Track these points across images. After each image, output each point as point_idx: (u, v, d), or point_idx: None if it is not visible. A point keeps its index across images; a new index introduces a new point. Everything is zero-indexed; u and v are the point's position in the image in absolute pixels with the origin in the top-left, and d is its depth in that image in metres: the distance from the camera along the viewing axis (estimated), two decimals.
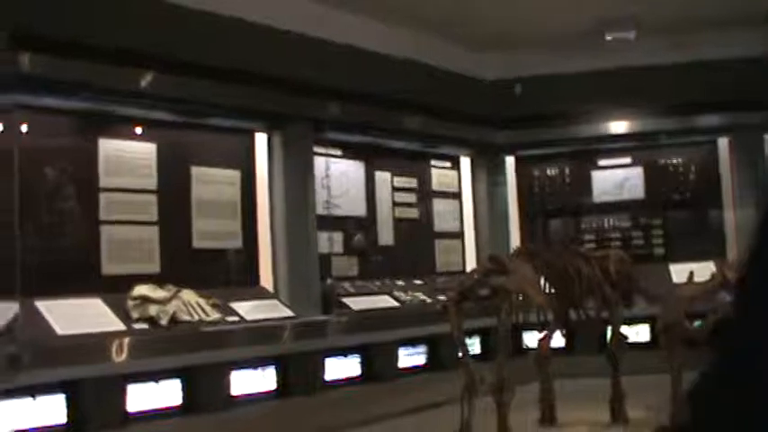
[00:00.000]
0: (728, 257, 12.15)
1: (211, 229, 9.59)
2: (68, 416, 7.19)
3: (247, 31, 9.46)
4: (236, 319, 8.82)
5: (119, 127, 8.97)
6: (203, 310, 8.50)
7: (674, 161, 13.42)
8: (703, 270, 7.59)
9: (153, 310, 8.09)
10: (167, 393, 7.93)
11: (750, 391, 1.00)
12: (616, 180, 13.50)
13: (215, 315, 8.57)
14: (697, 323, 5.90)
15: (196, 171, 9.55)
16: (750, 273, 1.07)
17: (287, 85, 9.83)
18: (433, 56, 11.82)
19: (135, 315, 8.01)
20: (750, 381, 0.99)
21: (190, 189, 9.47)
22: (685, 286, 6.26)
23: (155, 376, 7.82)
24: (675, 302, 5.92)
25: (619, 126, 13.06)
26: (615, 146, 13.44)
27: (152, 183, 9.09)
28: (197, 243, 9.45)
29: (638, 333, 10.98)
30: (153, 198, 9.08)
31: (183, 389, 8.04)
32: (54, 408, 7.14)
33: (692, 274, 6.48)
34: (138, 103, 8.82)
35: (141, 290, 8.18)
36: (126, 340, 7.62)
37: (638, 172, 13.48)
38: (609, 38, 11.94)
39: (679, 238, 13.19)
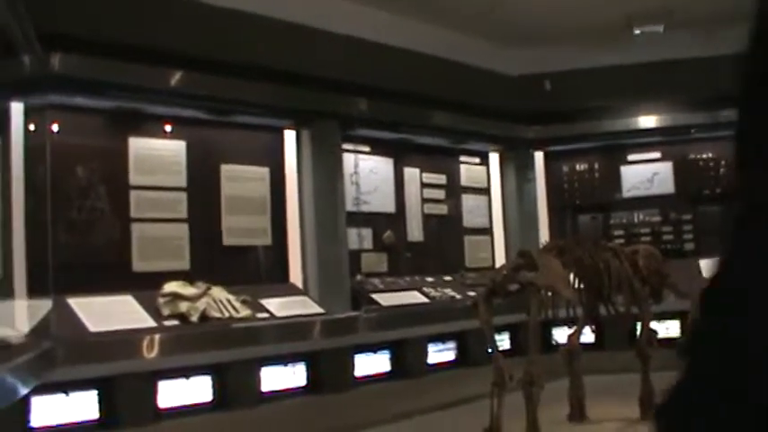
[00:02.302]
0: None
1: (241, 226, 9.64)
2: (100, 412, 7.28)
3: (276, 28, 9.50)
4: (265, 315, 8.86)
5: (149, 125, 9.05)
6: (233, 306, 8.55)
7: (704, 156, 13.34)
8: None
9: (183, 306, 8.14)
10: (198, 389, 7.99)
11: (721, 412, 1.00)
12: (645, 175, 13.44)
13: (245, 312, 8.62)
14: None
15: (225, 168, 9.61)
16: (723, 279, 1.07)
17: (315, 83, 9.86)
18: (461, 52, 11.81)
19: (166, 312, 8.07)
20: (721, 401, 0.99)
21: (219, 186, 9.53)
22: None
23: (185, 372, 7.89)
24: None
25: (648, 120, 13.00)
26: (644, 140, 13.37)
27: (182, 180, 9.16)
28: (227, 240, 9.51)
29: (669, 329, 10.93)
30: (183, 195, 9.15)
31: (214, 385, 8.10)
32: (86, 404, 7.23)
33: None
34: (168, 102, 8.89)
35: (172, 287, 8.24)
36: (157, 337, 7.68)
37: (667, 167, 13.41)
38: (637, 32, 11.90)
39: (709, 233, 13.08)
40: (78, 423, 7.14)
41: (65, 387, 7.07)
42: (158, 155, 9.03)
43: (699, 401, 1.00)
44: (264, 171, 10.02)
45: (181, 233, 9.06)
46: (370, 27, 10.51)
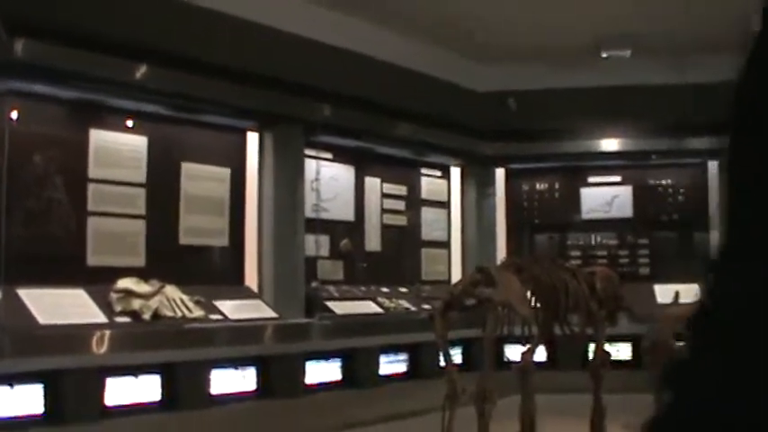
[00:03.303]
0: None
1: (198, 226, 9.55)
2: (45, 406, 7.13)
3: (245, 29, 9.43)
4: (219, 317, 8.78)
5: (111, 118, 8.94)
6: (186, 306, 8.46)
7: (664, 182, 13.46)
8: (688, 291, 7.58)
9: (136, 304, 8.05)
10: (146, 388, 7.86)
11: None
12: (605, 198, 13.52)
13: (198, 312, 8.53)
14: (682, 344, 5.89)
15: (186, 167, 9.52)
16: (710, 310, 1.04)
17: (281, 86, 9.81)
18: (430, 64, 11.81)
19: (118, 308, 7.97)
20: (733, 420, 0.95)
21: (179, 184, 9.44)
22: (672, 307, 6.25)
23: (134, 371, 7.76)
24: (662, 322, 5.91)
25: (610, 144, 13.09)
26: (605, 163, 13.47)
27: (141, 176, 9.05)
28: (183, 239, 9.42)
29: (620, 351, 10.98)
30: (141, 191, 9.05)
31: (163, 385, 7.98)
32: (32, 397, 7.07)
33: (677, 294, 6.46)
34: (132, 96, 8.79)
35: (125, 283, 8.14)
36: (107, 333, 7.58)
37: (627, 191, 13.51)
38: (605, 55, 11.97)
39: (665, 259, 13.21)
40: (23, 417, 6.99)
41: (10, 379, 6.92)
42: (119, 149, 8.92)
43: None
44: (225, 172, 9.94)
45: (137, 229, 8.95)
46: (339, 33, 10.47)
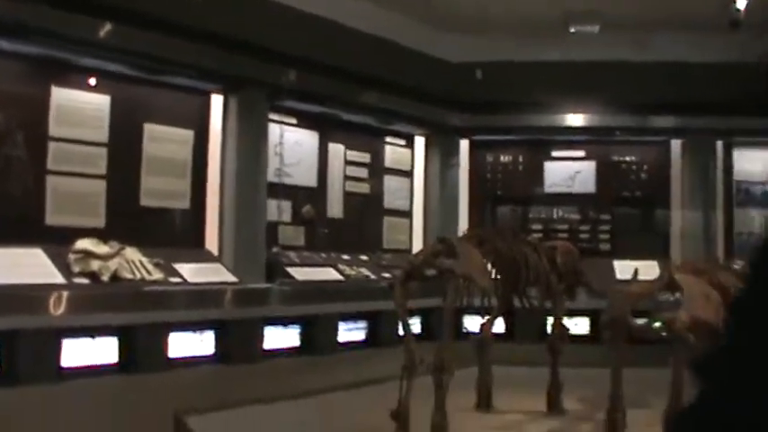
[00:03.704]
0: (673, 258, 12.31)
1: (160, 188, 9.48)
2: (1, 367, 7.06)
3: None
4: (178, 280, 8.73)
5: (73, 76, 8.81)
6: (146, 268, 8.40)
7: (627, 158, 13.53)
8: (647, 268, 7.64)
9: (95, 265, 7.98)
10: (103, 351, 7.81)
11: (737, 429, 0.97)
12: (568, 172, 13.57)
13: (157, 275, 8.48)
14: (641, 321, 5.93)
15: (149, 128, 9.43)
16: (745, 304, 1.04)
17: (247, 49, 9.73)
18: (398, 32, 11.75)
19: (76, 269, 7.89)
20: (738, 420, 0.95)
21: (141, 145, 9.34)
22: (632, 283, 6.28)
23: (92, 332, 7.70)
24: (622, 298, 5.95)
25: (575, 119, 13.12)
26: (570, 138, 13.50)
27: (103, 136, 8.95)
28: (144, 201, 9.34)
29: (578, 325, 11.07)
30: (103, 151, 8.95)
31: (120, 347, 7.92)
32: None
33: (636, 271, 6.49)
34: (95, 54, 8.64)
35: (84, 244, 8.06)
36: (65, 294, 7.50)
37: (590, 166, 13.57)
38: (573, 30, 11.97)
39: (625, 235, 13.31)
40: None
41: None
42: (81, 107, 8.80)
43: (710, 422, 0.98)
44: (188, 134, 9.85)
45: (98, 190, 8.86)
46: None
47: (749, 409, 0.94)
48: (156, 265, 8.57)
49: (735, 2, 10.31)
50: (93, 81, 8.93)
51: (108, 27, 8.44)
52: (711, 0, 10.47)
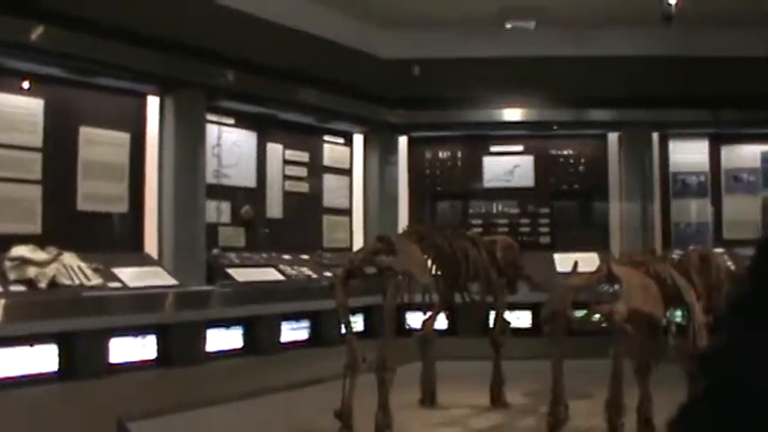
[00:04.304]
0: (612, 250, 12.45)
1: (97, 192, 9.38)
2: None
3: None
4: (118, 285, 8.65)
5: (6, 80, 8.69)
6: (84, 274, 8.31)
7: (565, 152, 13.66)
8: (587, 261, 7.71)
9: (32, 271, 7.88)
10: (42, 358, 7.71)
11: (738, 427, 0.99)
12: (507, 167, 13.67)
13: (96, 280, 8.39)
14: (579, 313, 5.98)
15: (84, 131, 9.33)
16: (745, 303, 1.06)
17: (182, 50, 9.66)
18: (334, 31, 11.75)
19: (12, 276, 7.79)
20: (737, 420, 0.98)
21: (77, 149, 9.24)
22: (571, 276, 6.34)
23: (30, 340, 7.60)
24: (562, 291, 5.99)
25: (512, 113, 13.21)
26: (508, 133, 13.59)
27: (37, 140, 8.84)
28: (81, 205, 9.24)
29: (519, 318, 11.15)
30: (37, 156, 8.84)
31: (60, 354, 7.83)
32: None
33: (576, 264, 6.54)
34: (28, 57, 8.53)
35: (20, 250, 7.96)
36: (1, 302, 7.39)
37: (528, 160, 13.67)
38: (509, 26, 12.05)
39: (565, 228, 13.44)
40: None
41: None
42: (14, 112, 8.68)
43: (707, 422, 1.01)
44: (125, 137, 9.77)
45: (33, 195, 8.75)
46: None
47: (749, 408, 0.96)
48: (95, 270, 8.48)
49: None
50: (26, 84, 8.81)
51: (40, 29, 8.33)
52: None
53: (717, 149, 13.74)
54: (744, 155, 13.73)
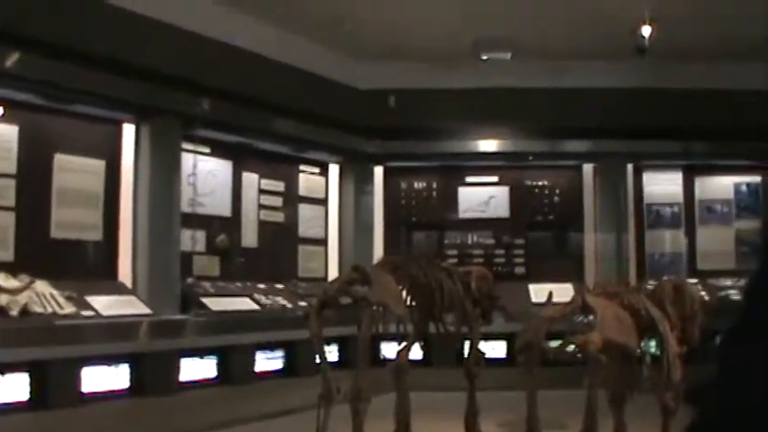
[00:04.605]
0: (586, 280, 12.49)
1: (71, 219, 9.32)
2: None
3: (123, 19, 9.24)
4: (91, 313, 8.58)
5: None
6: (57, 302, 8.25)
7: (540, 183, 13.73)
8: (561, 291, 7.74)
9: (3, 299, 7.81)
10: (14, 388, 7.63)
11: None
12: (482, 197, 13.71)
13: (69, 308, 8.32)
14: (554, 344, 5.99)
15: (59, 158, 9.28)
16: (743, 328, 1.08)
17: (159, 78, 9.64)
18: (309, 61, 11.79)
19: None
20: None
21: (51, 176, 9.18)
22: (546, 307, 6.35)
23: (1, 369, 7.51)
24: (536, 322, 6.01)
25: (488, 144, 13.26)
26: (483, 164, 13.65)
27: (11, 167, 8.79)
28: (55, 233, 9.17)
29: (494, 349, 11.14)
30: (11, 183, 8.78)
31: (32, 383, 7.75)
32: None
33: (551, 294, 6.57)
34: (3, 83, 8.49)
35: None
36: None
37: (503, 191, 13.73)
38: (485, 57, 12.12)
39: (539, 259, 13.49)
40: None
41: None
42: None
43: None
44: (100, 164, 9.72)
45: (6, 222, 8.69)
46: (219, 27, 10.36)
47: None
48: (68, 298, 8.42)
49: (640, 30, 10.61)
50: (0, 110, 8.77)
51: (15, 56, 8.30)
52: (618, 28, 10.71)
53: (690, 181, 13.86)
54: (717, 186, 13.85)
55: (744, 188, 13.84)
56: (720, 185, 13.85)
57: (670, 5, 10.34)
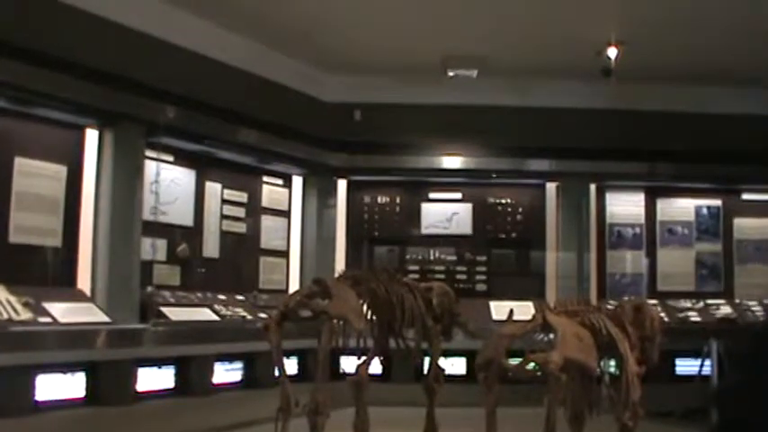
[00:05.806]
0: (547, 298, 12.53)
1: (30, 224, 9.19)
2: None
3: (88, 22, 9.18)
4: (48, 320, 8.47)
5: None
6: (14, 308, 8.14)
7: (503, 201, 13.76)
8: (522, 309, 7.75)
9: None
10: None
11: None
12: (445, 214, 13.73)
13: (26, 314, 8.21)
14: (514, 361, 5.99)
15: (19, 162, 9.15)
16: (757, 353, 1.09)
17: (123, 84, 9.58)
18: (277, 72, 11.78)
19: None
20: None
21: (11, 180, 9.06)
22: (506, 324, 6.36)
23: None
24: (496, 339, 6.02)
25: (452, 161, 13.29)
26: (447, 180, 13.67)
27: None
28: (13, 237, 9.04)
29: (454, 365, 11.15)
30: None
31: None
32: None
33: (511, 312, 6.58)
34: None
35: None
36: None
37: (467, 208, 13.75)
38: (451, 74, 12.16)
39: (501, 276, 13.52)
40: None
41: None
42: None
43: None
44: (61, 169, 9.61)
45: None
46: (186, 34, 10.33)
47: None
48: (25, 304, 8.31)
49: (606, 52, 10.73)
50: None
51: None
52: (584, 50, 10.80)
53: (652, 202, 13.96)
54: (678, 208, 13.96)
55: (704, 211, 13.97)
56: (682, 208, 13.96)
57: (636, 29, 10.45)
